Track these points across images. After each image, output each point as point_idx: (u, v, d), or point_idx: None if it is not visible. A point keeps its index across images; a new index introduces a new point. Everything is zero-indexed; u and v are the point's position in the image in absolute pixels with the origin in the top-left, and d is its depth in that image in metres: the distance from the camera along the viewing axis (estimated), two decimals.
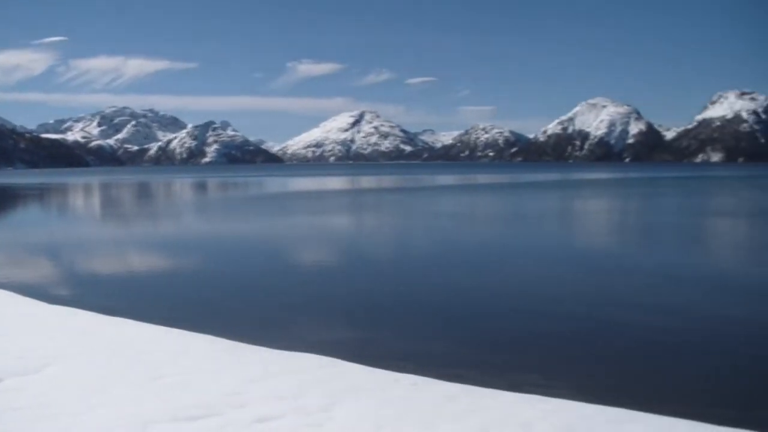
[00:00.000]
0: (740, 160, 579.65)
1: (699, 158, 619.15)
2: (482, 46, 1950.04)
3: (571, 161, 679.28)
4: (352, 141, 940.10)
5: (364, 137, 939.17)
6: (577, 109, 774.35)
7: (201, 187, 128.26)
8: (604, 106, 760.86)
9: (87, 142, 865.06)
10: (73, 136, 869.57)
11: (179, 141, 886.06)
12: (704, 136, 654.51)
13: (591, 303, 19.73)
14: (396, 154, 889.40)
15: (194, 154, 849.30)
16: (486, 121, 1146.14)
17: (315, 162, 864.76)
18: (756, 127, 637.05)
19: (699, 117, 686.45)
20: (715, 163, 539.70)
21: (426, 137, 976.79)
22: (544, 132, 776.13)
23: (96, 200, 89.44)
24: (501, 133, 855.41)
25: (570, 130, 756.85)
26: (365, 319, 17.82)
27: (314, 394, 10.60)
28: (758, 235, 41.05)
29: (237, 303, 20.18)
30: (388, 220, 51.02)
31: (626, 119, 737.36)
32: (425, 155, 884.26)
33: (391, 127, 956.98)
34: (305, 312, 18.75)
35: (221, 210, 65.03)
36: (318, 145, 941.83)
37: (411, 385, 11.38)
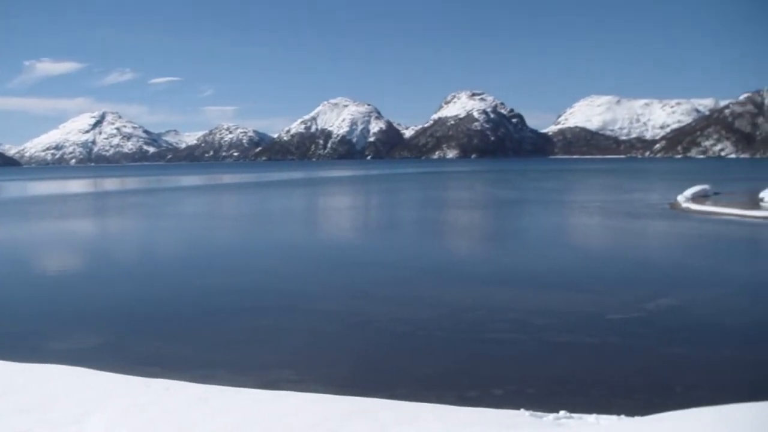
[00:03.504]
0: (473, 156, 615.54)
1: (436, 155, 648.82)
2: (226, 45, 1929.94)
3: (314, 159, 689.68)
4: (94, 143, 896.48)
5: (106, 138, 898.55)
6: (319, 108, 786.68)
7: None
8: (346, 106, 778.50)
9: None
10: None
11: None
12: (440, 134, 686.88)
13: (338, 297, 20.42)
14: (139, 156, 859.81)
15: None
16: (230, 120, 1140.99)
17: (55, 165, 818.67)
18: (486, 125, 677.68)
19: (435, 116, 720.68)
20: (451, 159, 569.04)
21: (170, 138, 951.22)
22: (288, 131, 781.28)
23: None
24: (245, 132, 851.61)
25: (313, 129, 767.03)
26: (113, 326, 17.39)
27: (63, 406, 10.35)
28: (490, 224, 43.98)
29: None
30: (131, 223, 49.65)
31: (367, 118, 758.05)
32: (169, 156, 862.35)
33: (134, 127, 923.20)
34: (49, 321, 18.05)
35: None
36: (58, 147, 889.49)
37: (164, 389, 11.39)
